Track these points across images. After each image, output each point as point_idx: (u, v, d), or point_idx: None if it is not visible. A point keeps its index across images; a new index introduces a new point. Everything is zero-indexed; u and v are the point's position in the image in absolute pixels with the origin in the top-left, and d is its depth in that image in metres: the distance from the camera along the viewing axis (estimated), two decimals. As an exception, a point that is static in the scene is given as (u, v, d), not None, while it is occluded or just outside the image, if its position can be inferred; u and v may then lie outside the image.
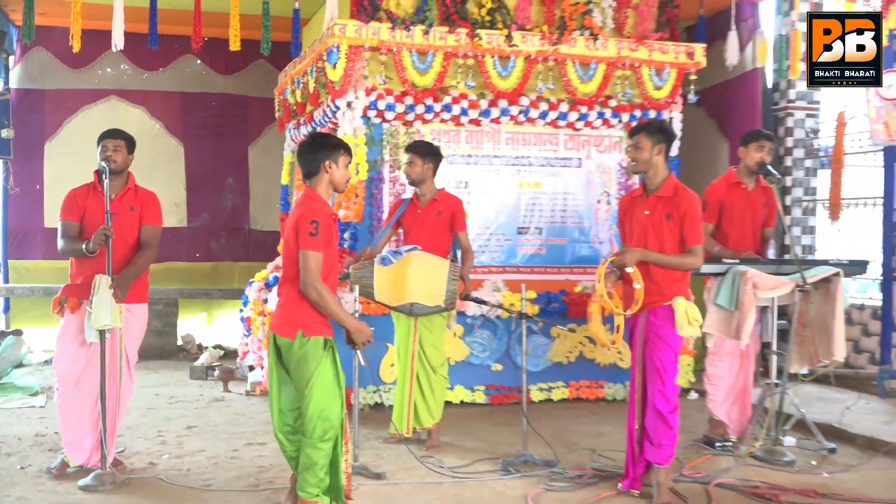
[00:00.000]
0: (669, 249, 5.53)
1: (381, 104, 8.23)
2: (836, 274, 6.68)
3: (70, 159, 11.56)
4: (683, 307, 5.45)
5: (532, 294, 8.31)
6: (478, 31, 8.35)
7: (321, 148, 4.99)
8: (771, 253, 7.23)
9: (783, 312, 6.87)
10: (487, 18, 8.47)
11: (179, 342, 11.83)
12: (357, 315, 5.99)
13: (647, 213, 5.60)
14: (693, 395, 8.75)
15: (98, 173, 5.92)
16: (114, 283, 5.66)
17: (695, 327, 5.48)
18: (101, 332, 5.65)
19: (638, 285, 5.46)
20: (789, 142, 10.33)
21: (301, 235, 4.81)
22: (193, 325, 12.43)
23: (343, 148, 5.02)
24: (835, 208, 9.47)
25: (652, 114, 8.94)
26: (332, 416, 4.86)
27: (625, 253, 5.53)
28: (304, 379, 4.87)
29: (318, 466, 4.87)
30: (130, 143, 6.04)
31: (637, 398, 5.61)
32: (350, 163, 5.09)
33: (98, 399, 5.78)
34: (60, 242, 5.92)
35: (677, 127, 9.07)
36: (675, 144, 9.03)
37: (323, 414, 4.84)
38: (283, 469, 6.09)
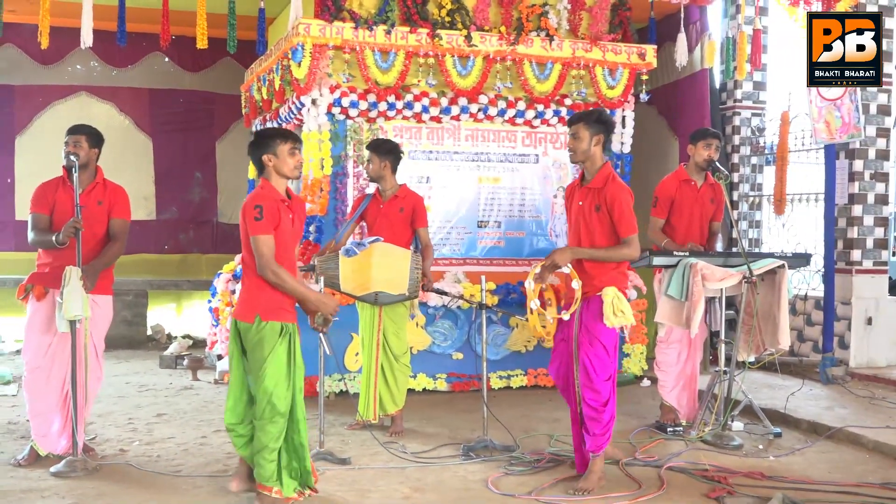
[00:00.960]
0: (600, 241, 5.43)
1: (345, 101, 8.19)
2: (781, 266, 6.74)
3: (40, 154, 11.41)
4: (611, 297, 5.33)
5: (491, 285, 8.27)
6: (438, 31, 8.33)
7: (257, 146, 5.03)
8: (719, 246, 7.27)
9: (731, 303, 6.92)
10: (447, 19, 8.45)
11: (149, 332, 11.72)
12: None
13: (580, 203, 5.52)
14: (646, 382, 8.80)
15: (66, 168, 5.84)
16: (83, 274, 5.59)
17: (621, 318, 5.33)
18: (72, 323, 5.58)
19: (576, 284, 5.38)
20: (736, 139, 10.41)
21: (248, 222, 4.84)
22: (163, 315, 12.31)
23: (279, 137, 5.01)
24: (779, 203, 9.56)
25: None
26: (278, 401, 4.87)
27: (555, 254, 5.42)
28: (258, 362, 4.88)
29: (268, 450, 4.88)
30: (93, 138, 5.95)
31: (576, 382, 5.50)
32: (296, 148, 5.04)
33: (66, 386, 5.72)
34: (31, 234, 5.85)
35: (630, 125, 9.12)
36: (628, 142, 9.11)
37: (271, 398, 4.85)
38: (251, 455, 6.05)
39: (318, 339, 5.65)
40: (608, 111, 8.79)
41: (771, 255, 6.91)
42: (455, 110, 8.49)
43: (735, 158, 10.39)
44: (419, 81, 8.43)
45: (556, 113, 8.84)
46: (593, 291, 5.41)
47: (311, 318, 5.12)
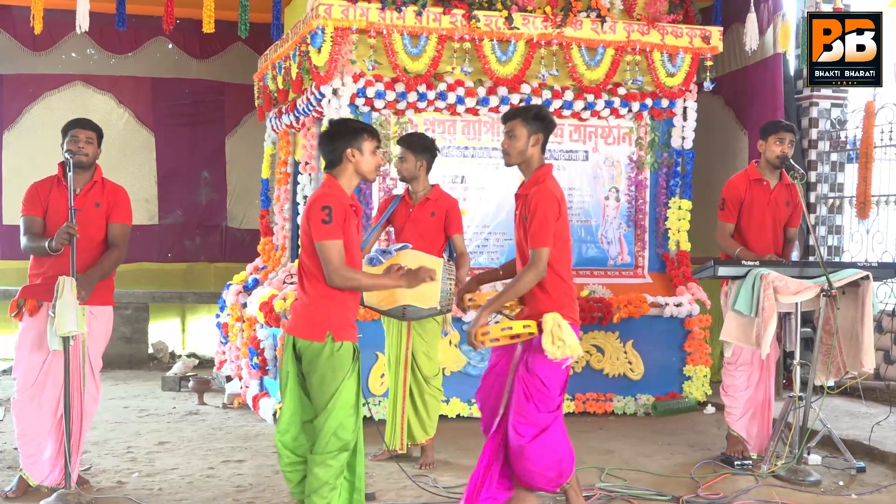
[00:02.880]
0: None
1: (370, 91, 8.22)
2: (865, 277, 6.67)
3: (31, 150, 11.54)
4: (550, 325, 5.12)
5: (534, 298, 8.29)
6: (475, 12, 8.34)
7: (341, 136, 4.92)
8: (795, 255, 7.22)
9: (807, 319, 6.86)
10: (486, -1, 8.48)
11: (150, 350, 11.80)
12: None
13: (516, 213, 5.43)
14: (710, 409, 8.75)
15: (62, 165, 5.90)
16: (77, 284, 5.62)
17: (561, 349, 5.08)
18: (65, 340, 5.62)
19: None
20: (813, 134, 10.33)
21: (314, 225, 4.75)
22: (165, 331, 12.39)
23: (366, 132, 4.96)
24: (863, 206, 9.47)
25: (664, 102, 8.96)
26: (346, 434, 4.80)
27: (473, 326, 5.15)
28: (327, 390, 4.78)
29: (328, 487, 4.79)
30: (100, 136, 6.04)
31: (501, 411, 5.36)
32: (379, 147, 5.04)
33: (59, 409, 5.76)
34: (23, 240, 5.91)
35: (692, 117, 9.09)
36: (690, 136, 9.08)
37: (338, 431, 4.77)
38: (264, 489, 6.09)
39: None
40: (671, 102, 8.83)
41: (853, 265, 6.85)
42: (494, 101, 8.50)
43: (812, 155, 10.31)
44: (453, 69, 8.44)
45: (608, 104, 8.82)
46: (535, 317, 5.23)
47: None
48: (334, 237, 4.73)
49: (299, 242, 4.95)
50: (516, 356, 5.31)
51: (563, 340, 5.09)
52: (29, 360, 5.86)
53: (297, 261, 6.07)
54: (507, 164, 5.45)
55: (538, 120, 5.32)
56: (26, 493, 5.82)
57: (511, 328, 5.15)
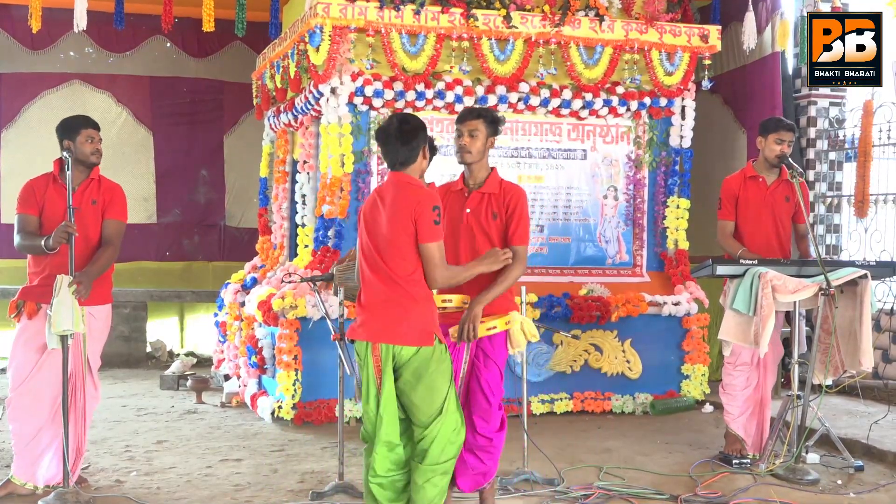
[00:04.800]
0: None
1: (369, 90, 8.22)
2: (864, 276, 6.67)
3: (29, 149, 11.51)
4: (520, 320, 5.27)
5: (533, 297, 8.30)
6: (473, 11, 8.34)
7: (419, 132, 4.87)
8: (813, 252, 7.17)
9: (806, 318, 6.85)
10: (484, -3, 8.47)
11: (148, 349, 11.80)
12: (343, 319, 5.96)
13: (468, 211, 5.39)
14: (708, 408, 8.76)
15: (60, 162, 5.89)
16: (75, 281, 5.61)
17: (522, 343, 5.31)
18: (63, 338, 5.61)
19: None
20: (812, 132, 10.33)
21: (425, 225, 4.63)
22: (164, 330, 12.39)
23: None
24: (861, 205, 9.47)
25: (663, 101, 8.96)
26: (460, 437, 4.79)
27: (467, 322, 5.08)
28: (438, 396, 4.70)
29: (442, 496, 4.73)
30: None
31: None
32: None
33: (56, 408, 5.75)
34: (17, 238, 5.90)
35: (690, 115, 9.09)
36: (689, 135, 9.10)
37: (453, 436, 4.73)
38: (262, 488, 6.10)
39: (336, 358, 5.66)
40: (669, 101, 8.82)
41: (851, 264, 6.84)
42: (492, 100, 8.49)
43: (810, 154, 10.31)
44: (452, 68, 8.44)
45: (607, 103, 8.82)
46: (502, 313, 5.28)
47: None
48: (441, 237, 4.69)
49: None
50: (466, 356, 5.28)
51: (535, 335, 5.33)
52: (22, 359, 5.85)
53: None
54: (465, 162, 5.39)
55: (495, 123, 5.39)
56: (12, 496, 5.78)
57: (496, 326, 5.17)
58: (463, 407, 5.13)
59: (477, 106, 5.65)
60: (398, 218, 4.68)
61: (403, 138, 4.82)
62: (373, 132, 8.33)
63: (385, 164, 8.19)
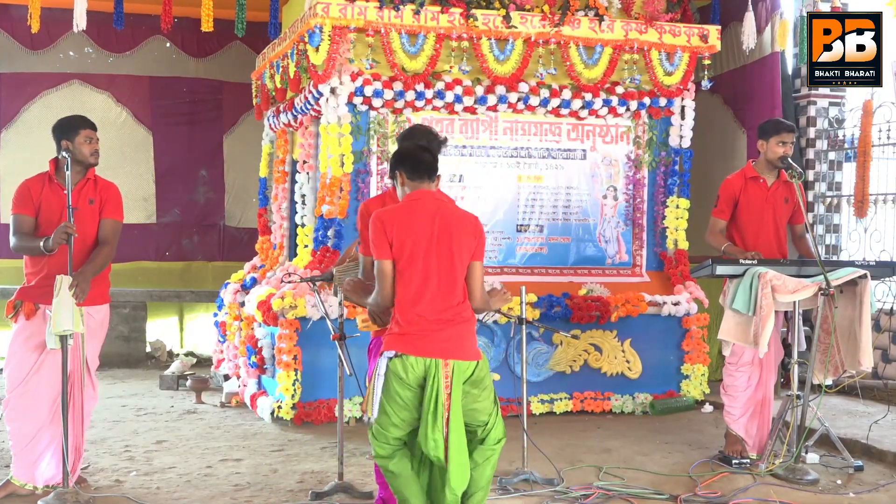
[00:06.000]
0: None
1: (368, 90, 8.22)
2: (863, 276, 6.67)
3: (29, 149, 11.50)
4: None
5: (532, 297, 8.30)
6: (473, 11, 8.34)
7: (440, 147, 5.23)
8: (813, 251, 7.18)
9: (805, 318, 6.85)
10: (483, -3, 8.47)
11: (148, 349, 11.80)
12: (342, 319, 5.96)
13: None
14: (707, 408, 8.75)
15: (55, 162, 5.88)
16: (74, 282, 5.60)
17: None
18: (63, 339, 5.60)
19: None
20: (811, 132, 10.32)
21: (480, 245, 4.84)
22: (163, 330, 12.38)
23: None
24: (861, 205, 9.47)
25: (662, 101, 8.96)
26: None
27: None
28: (492, 398, 4.88)
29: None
30: None
31: None
32: None
33: (55, 408, 5.75)
34: (13, 239, 5.87)
35: (690, 115, 9.09)
36: (688, 135, 9.10)
37: (502, 435, 4.93)
38: (261, 488, 6.09)
39: (336, 358, 5.65)
40: (669, 101, 8.83)
41: (851, 264, 6.84)
42: (492, 100, 8.49)
43: (810, 154, 10.31)
44: (451, 67, 8.44)
45: (606, 103, 8.82)
46: None
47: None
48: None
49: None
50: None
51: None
52: (21, 359, 5.84)
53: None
54: None
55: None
56: (12, 496, 5.78)
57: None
58: None
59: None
60: (462, 235, 4.78)
61: (436, 151, 5.09)
62: (372, 132, 8.33)
63: (384, 165, 8.28)
